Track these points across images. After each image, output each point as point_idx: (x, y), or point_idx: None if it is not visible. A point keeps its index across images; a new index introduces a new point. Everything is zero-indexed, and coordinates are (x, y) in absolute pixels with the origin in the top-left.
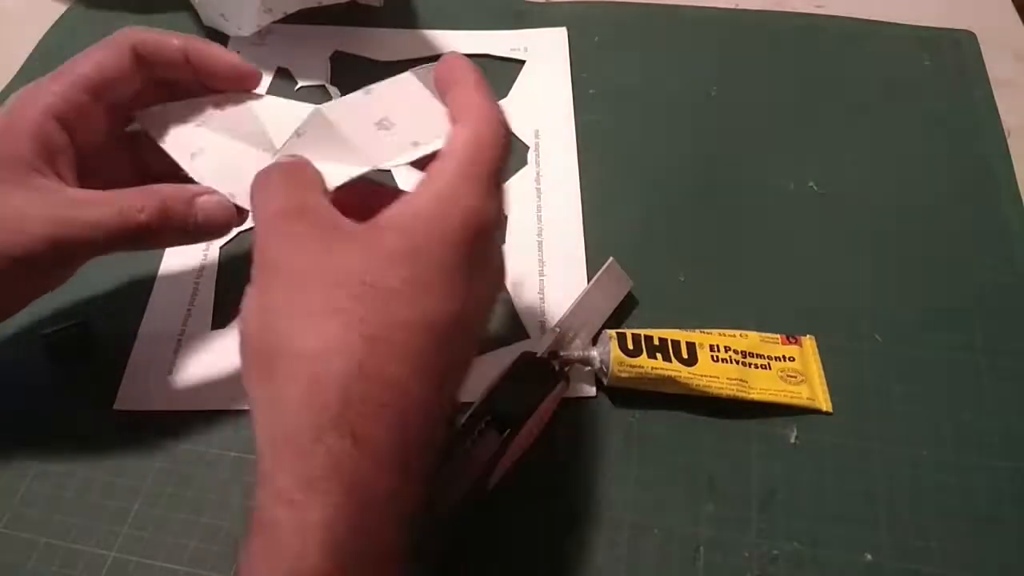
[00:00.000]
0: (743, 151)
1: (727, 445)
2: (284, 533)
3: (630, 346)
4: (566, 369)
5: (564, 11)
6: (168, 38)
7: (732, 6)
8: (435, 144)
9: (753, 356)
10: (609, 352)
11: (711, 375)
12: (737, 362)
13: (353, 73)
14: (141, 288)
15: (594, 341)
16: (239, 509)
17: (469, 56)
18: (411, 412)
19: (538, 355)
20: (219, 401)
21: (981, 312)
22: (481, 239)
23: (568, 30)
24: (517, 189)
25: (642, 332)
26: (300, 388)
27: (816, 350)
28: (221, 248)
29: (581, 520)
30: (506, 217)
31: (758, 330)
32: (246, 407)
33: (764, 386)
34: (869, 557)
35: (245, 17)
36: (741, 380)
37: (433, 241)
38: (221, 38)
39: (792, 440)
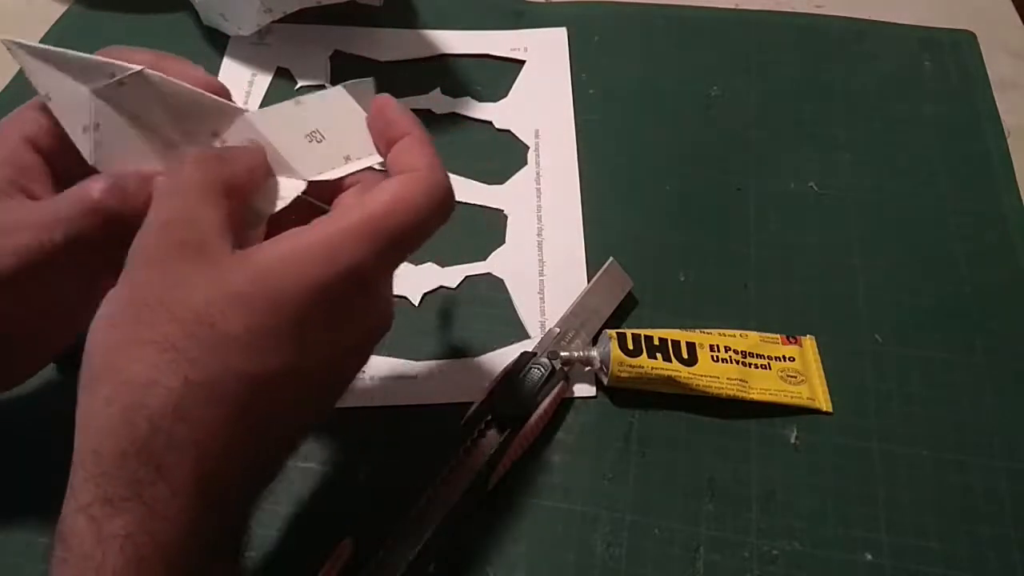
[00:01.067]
0: (743, 151)
1: (727, 445)
2: (86, 544)
3: (630, 346)
4: (566, 369)
5: (564, 11)
6: (136, 54)
7: (732, 6)
8: (368, 160)
9: (753, 356)
10: (609, 352)
11: (711, 375)
12: (737, 362)
13: (353, 73)
14: None
15: (594, 341)
16: None
17: (469, 56)
18: (221, 455)
19: (538, 355)
20: None
21: (981, 312)
22: (350, 297)
23: (568, 30)
24: (517, 189)
25: (642, 332)
26: (115, 412)
27: (816, 350)
28: None
29: (581, 520)
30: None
31: (758, 330)
32: None
33: (764, 386)
34: (869, 557)
35: (245, 17)
36: (741, 380)
37: (289, 290)
38: (221, 38)
39: (792, 440)
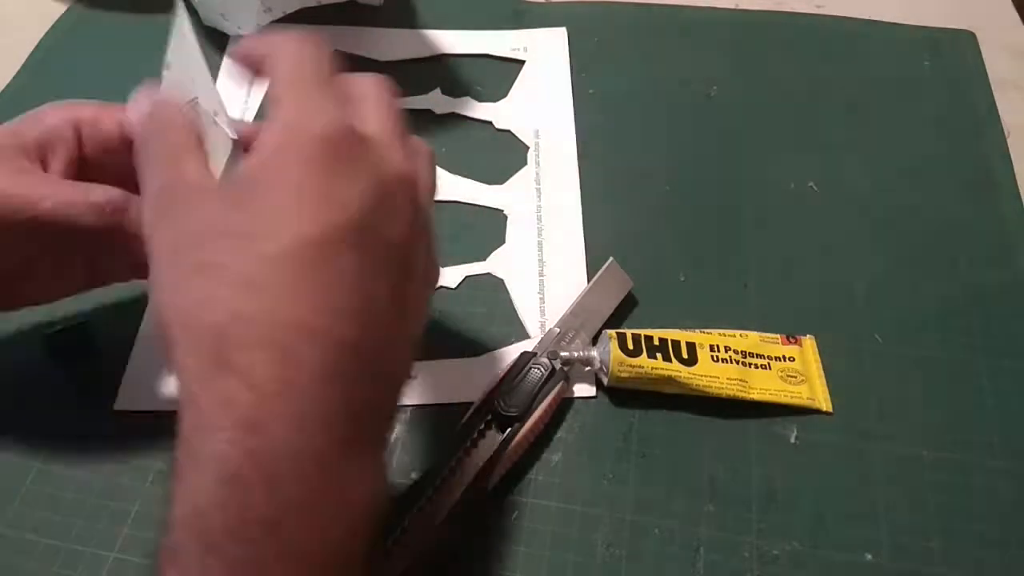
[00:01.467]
0: (743, 151)
1: (727, 445)
2: (185, 471)
3: (630, 346)
4: (566, 369)
5: (564, 11)
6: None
7: (732, 6)
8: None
9: (753, 356)
10: (609, 352)
11: (711, 375)
12: (737, 362)
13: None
14: (141, 288)
15: (594, 341)
16: None
17: (469, 56)
18: (295, 340)
19: (538, 355)
20: None
21: (981, 312)
22: (334, 147)
23: (568, 30)
24: (517, 189)
25: (642, 332)
26: (187, 346)
27: (816, 350)
28: None
29: (581, 520)
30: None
31: (758, 330)
32: None
33: (764, 386)
34: (869, 557)
35: (245, 17)
36: (741, 380)
37: (277, 169)
38: (221, 38)
39: (792, 440)
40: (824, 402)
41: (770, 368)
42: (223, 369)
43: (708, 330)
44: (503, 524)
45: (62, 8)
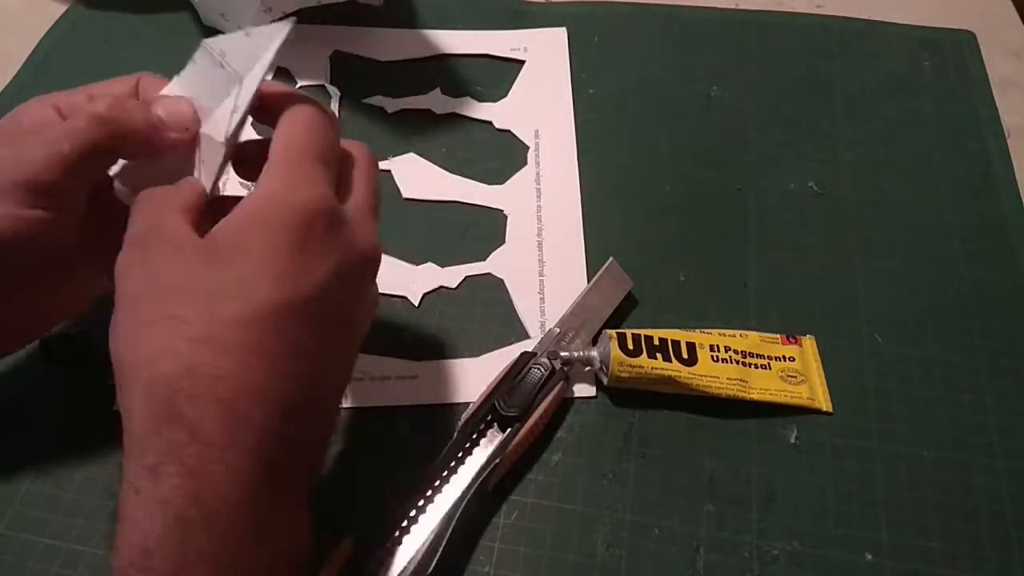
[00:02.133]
0: (743, 151)
1: (727, 445)
2: (135, 515)
3: (630, 346)
4: (566, 369)
5: (564, 11)
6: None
7: (732, 6)
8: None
9: (753, 356)
10: (609, 352)
11: (711, 375)
12: (737, 362)
13: (352, 73)
14: None
15: (594, 341)
16: None
17: (469, 56)
18: (245, 400)
19: (538, 355)
20: None
21: (981, 312)
22: (309, 224)
23: (568, 30)
24: (517, 189)
25: (642, 332)
26: (138, 392)
27: (816, 350)
28: None
29: (581, 520)
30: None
31: (758, 330)
32: None
33: (764, 386)
34: (869, 557)
35: (245, 16)
36: (741, 380)
37: (254, 234)
38: None
39: (792, 440)
40: (824, 402)
41: (770, 368)
42: (172, 420)
43: (708, 330)
44: (503, 524)
45: (62, 8)
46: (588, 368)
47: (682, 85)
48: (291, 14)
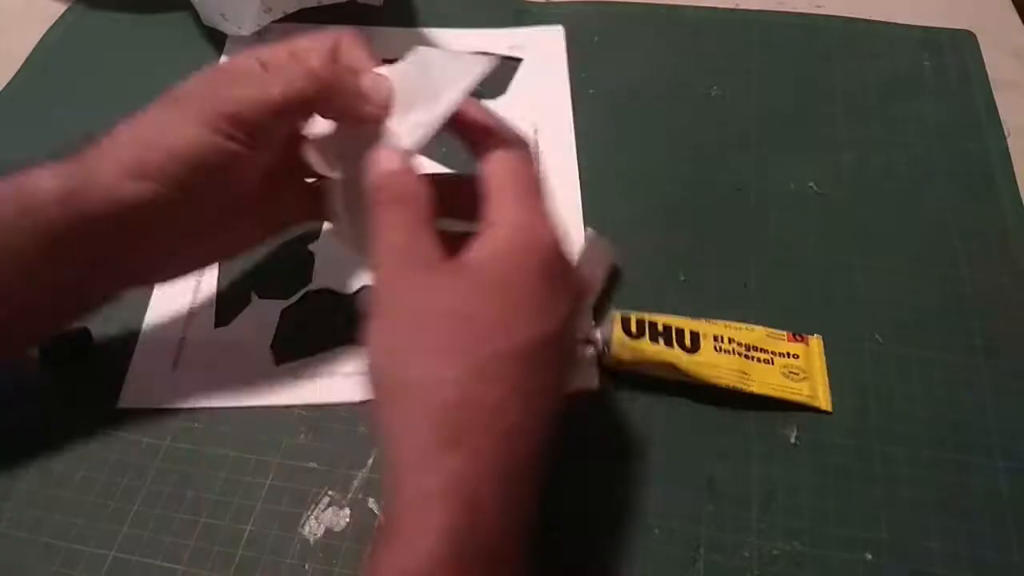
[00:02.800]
0: (743, 151)
1: (727, 445)
2: (410, 534)
3: (633, 329)
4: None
5: (564, 11)
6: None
7: (732, 6)
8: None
9: (757, 350)
10: (612, 332)
11: (712, 364)
12: (740, 354)
13: None
14: (142, 287)
15: (596, 321)
16: (239, 509)
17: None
18: (511, 432)
19: None
20: (223, 398)
21: (981, 312)
22: (557, 261)
23: (568, 30)
24: None
25: (646, 317)
26: (422, 415)
27: (822, 350)
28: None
29: (581, 520)
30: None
31: None
32: (249, 403)
33: (765, 380)
34: (869, 557)
35: (245, 17)
36: (742, 372)
37: (520, 272)
38: (221, 37)
39: (792, 440)
40: (824, 401)
41: (773, 363)
42: (453, 447)
43: (714, 320)
44: None
45: (62, 8)
46: (591, 349)
47: (682, 85)
48: (292, 14)
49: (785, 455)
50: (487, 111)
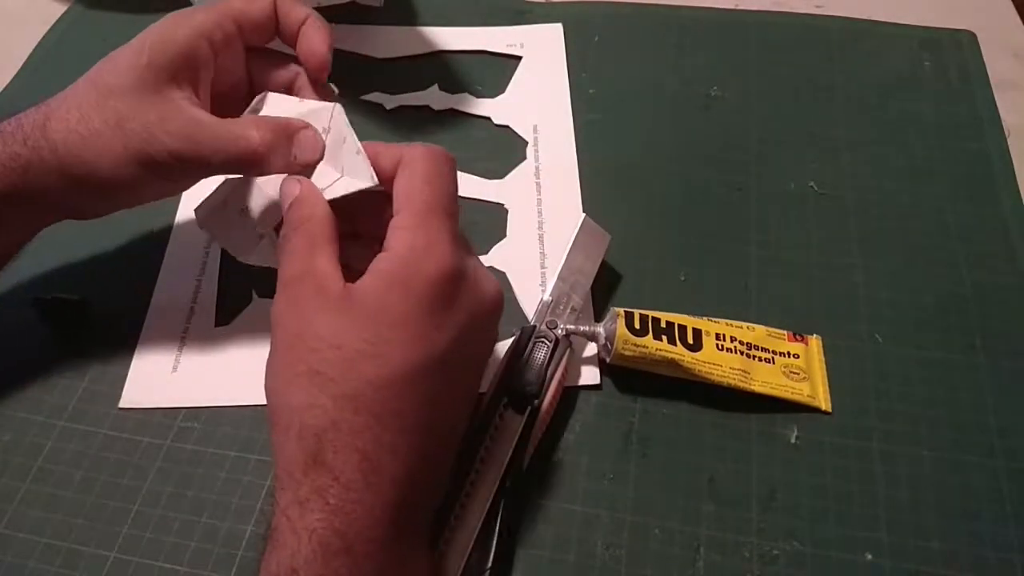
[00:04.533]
0: (743, 151)
1: (727, 445)
2: (286, 538)
3: (637, 325)
4: (570, 339)
5: (564, 10)
6: (297, 11)
7: (732, 6)
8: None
9: (758, 349)
10: (615, 329)
11: (714, 362)
12: (741, 353)
13: (350, 70)
14: (143, 287)
15: (599, 318)
16: (239, 509)
17: (466, 52)
18: (381, 452)
19: (537, 327)
20: (224, 397)
21: (981, 312)
22: (444, 285)
23: (569, 29)
24: (517, 183)
25: (649, 313)
26: (292, 435)
27: (822, 350)
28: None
29: (581, 520)
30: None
31: None
32: (251, 402)
33: (766, 379)
34: (869, 557)
35: None
36: (744, 371)
37: (394, 300)
38: None
39: (792, 440)
40: (824, 401)
41: (773, 363)
42: (319, 465)
43: (716, 319)
44: (502, 526)
45: (62, 8)
46: (593, 344)
47: (682, 85)
48: None
49: (785, 455)
50: (382, 145)
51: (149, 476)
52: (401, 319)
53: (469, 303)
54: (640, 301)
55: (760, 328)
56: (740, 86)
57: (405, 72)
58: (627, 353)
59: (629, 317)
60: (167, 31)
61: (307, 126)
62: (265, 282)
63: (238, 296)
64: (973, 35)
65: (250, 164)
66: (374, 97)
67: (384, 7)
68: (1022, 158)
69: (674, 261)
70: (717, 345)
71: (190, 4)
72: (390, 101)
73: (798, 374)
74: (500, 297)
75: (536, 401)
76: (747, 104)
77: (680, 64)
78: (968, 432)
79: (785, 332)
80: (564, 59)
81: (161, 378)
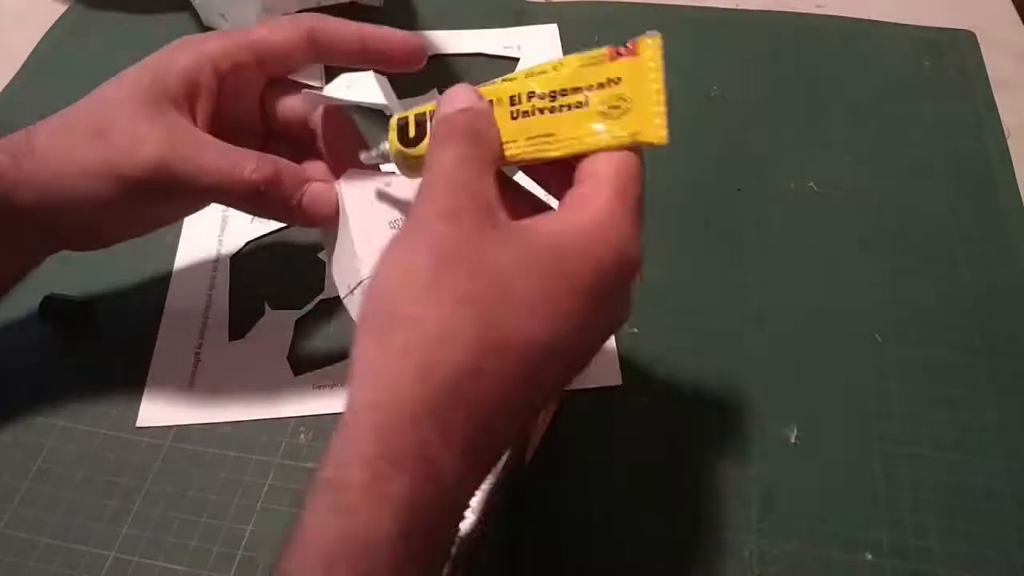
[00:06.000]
0: (743, 151)
1: (727, 445)
2: (357, 497)
3: (412, 132)
4: None
5: (564, 10)
6: (345, 27)
7: (732, 6)
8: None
9: (567, 94)
10: (389, 143)
11: (505, 140)
12: (543, 110)
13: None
14: (148, 291)
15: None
16: (239, 509)
17: (463, 55)
18: (498, 421)
19: None
20: (243, 411)
21: (981, 312)
22: (625, 274)
23: (568, 29)
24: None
25: (427, 109)
26: (412, 366)
27: (659, 56)
28: (232, 258)
29: (581, 521)
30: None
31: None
32: (270, 415)
33: (573, 134)
34: (869, 557)
35: (245, 17)
36: (545, 136)
37: (585, 265)
38: None
39: (792, 440)
40: (653, 134)
41: (587, 105)
42: (434, 417)
43: (515, 75)
44: (502, 526)
45: (62, 8)
46: (612, 342)
47: (682, 85)
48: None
49: (785, 455)
50: None
51: (149, 476)
52: (583, 290)
53: (624, 304)
54: (639, 302)
55: (572, 59)
56: (740, 86)
57: (403, 76)
58: (409, 167)
59: (403, 125)
60: (172, 52)
61: (323, 179)
62: (277, 294)
63: (250, 309)
64: (973, 35)
65: (242, 193)
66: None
67: (384, 8)
68: (1022, 158)
69: (673, 261)
70: (511, 114)
71: (193, 7)
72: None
73: (619, 107)
74: (631, 309)
75: None
76: (747, 104)
77: (680, 64)
78: (968, 432)
79: (606, 49)
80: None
81: (178, 395)
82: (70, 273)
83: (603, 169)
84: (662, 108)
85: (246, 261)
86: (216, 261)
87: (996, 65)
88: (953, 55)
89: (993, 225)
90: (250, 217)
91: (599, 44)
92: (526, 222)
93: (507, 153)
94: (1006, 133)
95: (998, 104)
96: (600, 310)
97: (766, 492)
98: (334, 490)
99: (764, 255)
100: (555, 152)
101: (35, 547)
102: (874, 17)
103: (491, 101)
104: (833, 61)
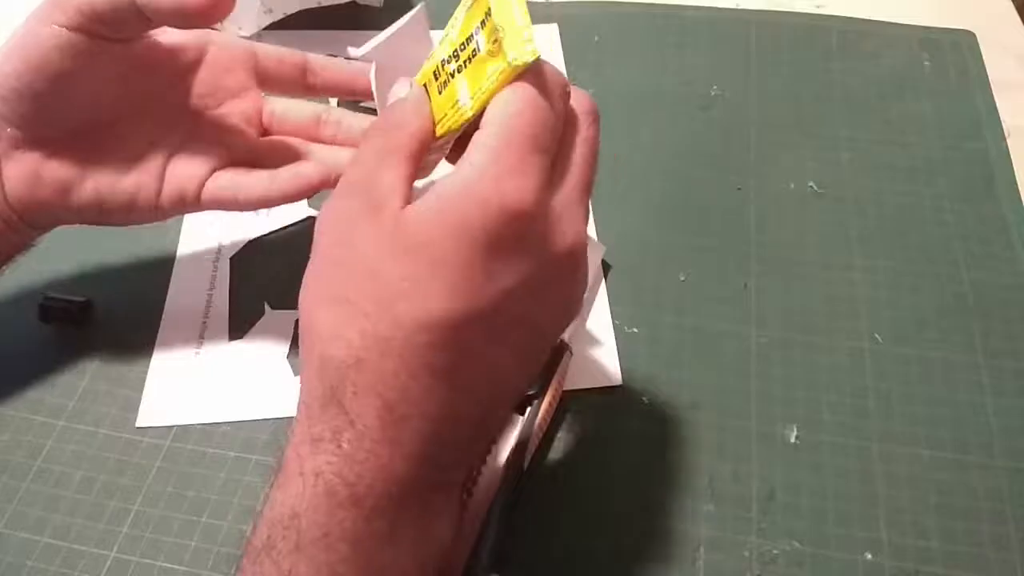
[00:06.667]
0: (743, 151)
1: (727, 445)
2: (292, 477)
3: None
4: (567, 339)
5: (564, 11)
6: (284, 57)
7: (732, 6)
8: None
9: (464, 47)
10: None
11: (438, 119)
12: (453, 73)
13: None
14: (147, 290)
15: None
16: (239, 509)
17: None
18: (404, 404)
19: None
20: (242, 411)
21: (981, 312)
22: (512, 224)
23: (568, 29)
24: None
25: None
26: (313, 365)
27: None
28: (232, 258)
29: (581, 521)
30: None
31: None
32: (270, 416)
33: (477, 86)
34: (869, 557)
35: (245, 18)
36: (455, 103)
37: (446, 233)
38: None
39: (792, 440)
40: (522, 53)
41: (480, 51)
42: (336, 405)
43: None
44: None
45: None
46: (613, 345)
47: (682, 85)
48: (292, 15)
49: (785, 455)
50: None
51: (149, 476)
52: (450, 259)
53: (536, 252)
54: (640, 301)
55: (460, 9)
56: (740, 86)
57: None
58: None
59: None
60: None
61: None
62: (277, 293)
63: (250, 309)
64: (973, 35)
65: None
66: (373, 103)
67: (383, 8)
68: (1022, 158)
69: (674, 261)
70: (437, 89)
71: None
72: None
73: (497, 40)
74: (578, 248)
75: (536, 401)
76: (747, 104)
77: (680, 64)
78: (968, 432)
79: None
80: (561, 59)
81: (178, 395)
82: (70, 273)
83: (488, 113)
84: (526, 22)
85: (246, 261)
86: (216, 261)
87: (996, 65)
88: (953, 55)
89: (993, 225)
90: (250, 216)
91: (599, 44)
92: (410, 206)
93: (439, 130)
94: (1006, 133)
95: (998, 104)
96: (484, 273)
97: (766, 492)
98: (280, 470)
99: (764, 255)
100: (470, 112)
101: (35, 547)
102: (874, 17)
103: (424, 85)
104: (833, 61)
